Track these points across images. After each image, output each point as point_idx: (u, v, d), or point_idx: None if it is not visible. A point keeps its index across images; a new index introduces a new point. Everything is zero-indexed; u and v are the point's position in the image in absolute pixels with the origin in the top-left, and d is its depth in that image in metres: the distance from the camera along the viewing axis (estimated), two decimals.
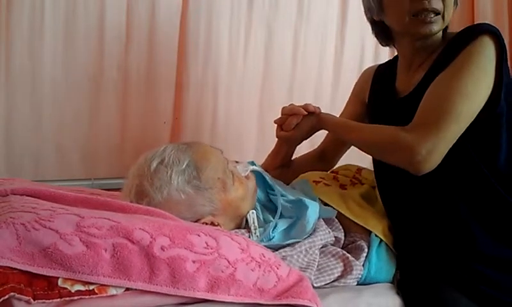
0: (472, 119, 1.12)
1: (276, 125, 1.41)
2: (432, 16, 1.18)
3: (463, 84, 1.11)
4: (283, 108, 1.39)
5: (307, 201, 1.23)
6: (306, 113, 1.35)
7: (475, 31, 1.16)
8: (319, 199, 1.31)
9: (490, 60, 1.12)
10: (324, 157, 1.56)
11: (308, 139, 1.43)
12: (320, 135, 1.44)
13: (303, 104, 1.36)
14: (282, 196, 1.28)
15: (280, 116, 1.41)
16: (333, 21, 2.05)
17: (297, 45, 2.00)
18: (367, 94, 1.45)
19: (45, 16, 1.65)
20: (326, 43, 2.05)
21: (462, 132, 1.12)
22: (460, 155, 1.14)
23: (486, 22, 1.79)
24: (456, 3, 1.22)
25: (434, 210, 1.20)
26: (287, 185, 1.41)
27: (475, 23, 1.22)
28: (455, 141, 1.12)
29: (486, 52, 1.12)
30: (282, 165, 1.49)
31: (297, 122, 1.36)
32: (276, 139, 1.46)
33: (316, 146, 1.59)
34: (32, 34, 1.64)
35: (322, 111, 1.36)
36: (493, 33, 1.13)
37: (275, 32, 1.95)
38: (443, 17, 1.19)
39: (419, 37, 1.22)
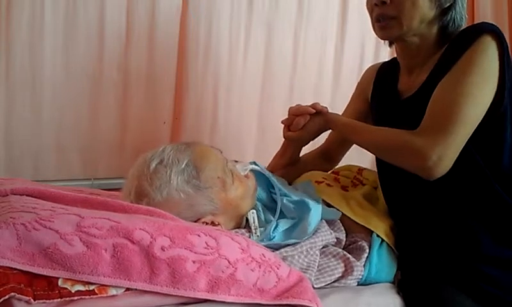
0: (479, 121, 1.12)
1: (282, 125, 1.40)
2: (388, 21, 1.20)
3: (468, 86, 1.11)
4: (290, 108, 1.39)
5: (310, 203, 1.22)
6: (313, 111, 1.34)
7: (476, 31, 1.15)
8: (322, 199, 1.31)
9: (493, 60, 1.12)
10: (328, 156, 1.56)
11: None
12: (323, 135, 1.44)
13: (310, 104, 1.36)
14: (285, 195, 1.27)
15: (280, 115, 1.41)
16: (333, 21, 2.06)
17: (297, 45, 2.00)
18: (369, 93, 1.45)
19: (45, 16, 1.65)
20: (326, 43, 2.05)
21: (470, 134, 1.12)
22: (463, 157, 1.14)
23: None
24: (438, 7, 1.20)
25: (436, 210, 1.20)
26: (290, 184, 1.41)
27: (475, 23, 1.22)
28: (464, 143, 1.12)
29: (489, 52, 1.12)
30: (288, 165, 1.49)
31: (304, 122, 1.35)
32: (281, 140, 1.46)
33: (318, 145, 1.59)
34: (32, 34, 1.64)
35: (329, 111, 1.36)
36: (494, 32, 1.13)
37: (275, 32, 1.96)
38: (400, 22, 1.19)
39: (385, 40, 1.27)
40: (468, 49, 1.13)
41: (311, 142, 1.49)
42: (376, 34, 1.26)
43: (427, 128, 1.13)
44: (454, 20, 1.23)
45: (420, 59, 1.25)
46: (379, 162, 1.34)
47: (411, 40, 1.23)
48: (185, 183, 1.12)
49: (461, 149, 1.12)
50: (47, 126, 1.71)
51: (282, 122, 1.40)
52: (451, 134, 1.10)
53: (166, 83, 1.84)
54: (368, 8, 1.26)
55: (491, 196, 1.16)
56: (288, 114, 1.39)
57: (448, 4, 1.21)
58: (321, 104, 1.37)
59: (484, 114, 1.12)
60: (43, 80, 1.68)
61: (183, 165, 1.13)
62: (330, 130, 1.42)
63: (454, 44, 1.18)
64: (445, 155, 1.10)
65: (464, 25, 1.24)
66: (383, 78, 1.41)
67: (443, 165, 1.11)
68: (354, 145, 1.45)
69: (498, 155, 1.16)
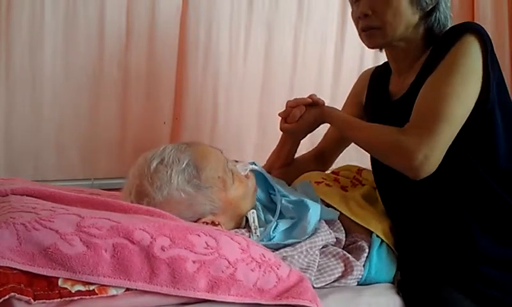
0: (465, 120, 1.13)
1: (279, 118, 1.41)
2: (373, 30, 1.23)
3: (452, 85, 1.12)
4: (288, 101, 1.40)
5: (309, 202, 1.22)
6: (310, 101, 1.36)
7: (459, 31, 1.16)
8: (321, 199, 1.31)
9: (476, 58, 1.13)
10: (322, 157, 1.57)
11: (309, 138, 1.43)
12: (321, 136, 1.44)
13: (307, 96, 1.37)
14: (284, 196, 1.27)
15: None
16: (333, 21, 2.06)
17: (297, 45, 2.00)
18: (364, 97, 1.46)
19: (45, 16, 1.65)
20: (326, 43, 2.05)
21: (456, 133, 1.13)
22: (455, 157, 1.14)
23: (486, 21, 1.79)
24: (420, 10, 1.21)
25: (433, 210, 1.20)
26: (289, 185, 1.41)
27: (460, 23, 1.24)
28: (450, 142, 1.13)
29: (472, 51, 1.13)
30: (285, 164, 1.49)
31: (300, 114, 1.36)
32: (278, 138, 1.46)
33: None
34: (32, 34, 1.64)
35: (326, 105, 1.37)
36: (477, 31, 1.14)
37: (275, 33, 1.96)
38: (385, 31, 1.21)
39: (373, 48, 1.29)
40: (451, 49, 1.15)
41: (310, 142, 1.49)
42: (364, 43, 1.28)
43: (413, 127, 1.14)
44: (439, 20, 1.24)
45: (408, 61, 1.27)
46: (374, 162, 1.35)
47: (398, 45, 1.25)
48: (186, 183, 1.12)
49: (447, 148, 1.13)
50: (47, 126, 1.71)
51: (279, 114, 1.41)
52: (437, 133, 1.11)
53: (166, 83, 1.84)
54: (354, 21, 1.29)
55: (488, 194, 1.16)
56: (286, 107, 1.40)
57: (431, 7, 1.22)
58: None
59: (469, 113, 1.13)
60: (43, 80, 1.68)
61: (183, 165, 1.13)
62: (325, 131, 1.42)
63: (439, 45, 1.20)
64: (431, 154, 1.11)
65: (449, 25, 1.25)
66: (376, 81, 1.43)
67: (430, 165, 1.11)
68: (354, 145, 1.45)
69: (491, 152, 1.16)
